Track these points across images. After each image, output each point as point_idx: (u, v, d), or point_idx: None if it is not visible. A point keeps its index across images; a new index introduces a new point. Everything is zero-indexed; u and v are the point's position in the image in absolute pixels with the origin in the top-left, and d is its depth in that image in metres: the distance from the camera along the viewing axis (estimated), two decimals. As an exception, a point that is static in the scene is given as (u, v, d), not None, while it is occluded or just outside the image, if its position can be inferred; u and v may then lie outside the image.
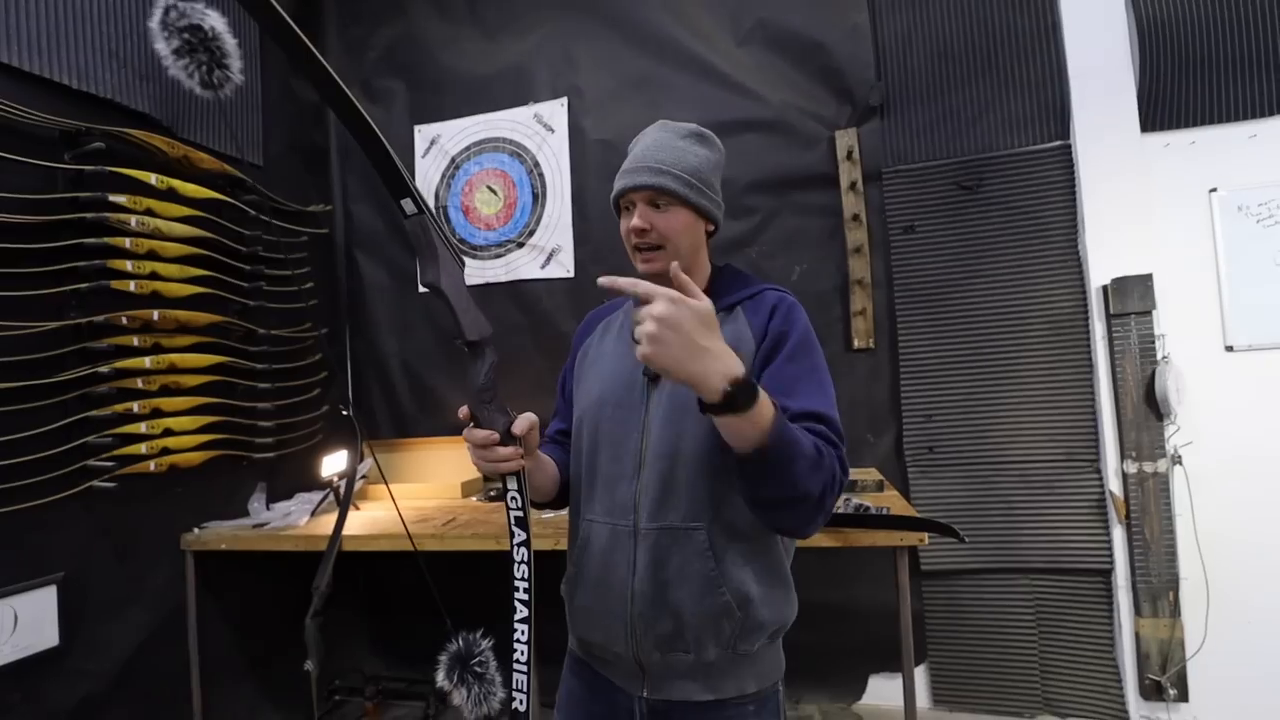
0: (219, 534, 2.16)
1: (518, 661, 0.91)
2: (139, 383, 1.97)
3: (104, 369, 1.88)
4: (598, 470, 1.00)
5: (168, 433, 2.05)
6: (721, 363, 0.72)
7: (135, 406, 1.96)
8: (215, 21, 0.78)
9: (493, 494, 2.44)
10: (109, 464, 1.88)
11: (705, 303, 0.72)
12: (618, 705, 0.98)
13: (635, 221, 0.98)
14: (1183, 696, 2.18)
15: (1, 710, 1.66)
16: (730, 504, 0.91)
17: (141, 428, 1.97)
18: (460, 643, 0.93)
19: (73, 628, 1.82)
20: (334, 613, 2.15)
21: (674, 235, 0.98)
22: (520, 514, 0.92)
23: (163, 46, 0.76)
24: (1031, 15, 2.42)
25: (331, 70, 0.79)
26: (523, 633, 0.91)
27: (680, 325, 0.70)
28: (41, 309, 1.77)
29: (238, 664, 2.37)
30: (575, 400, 1.09)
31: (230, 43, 0.76)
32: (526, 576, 0.92)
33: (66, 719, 1.79)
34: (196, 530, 2.18)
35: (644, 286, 0.72)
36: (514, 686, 0.91)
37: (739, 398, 0.71)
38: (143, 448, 1.98)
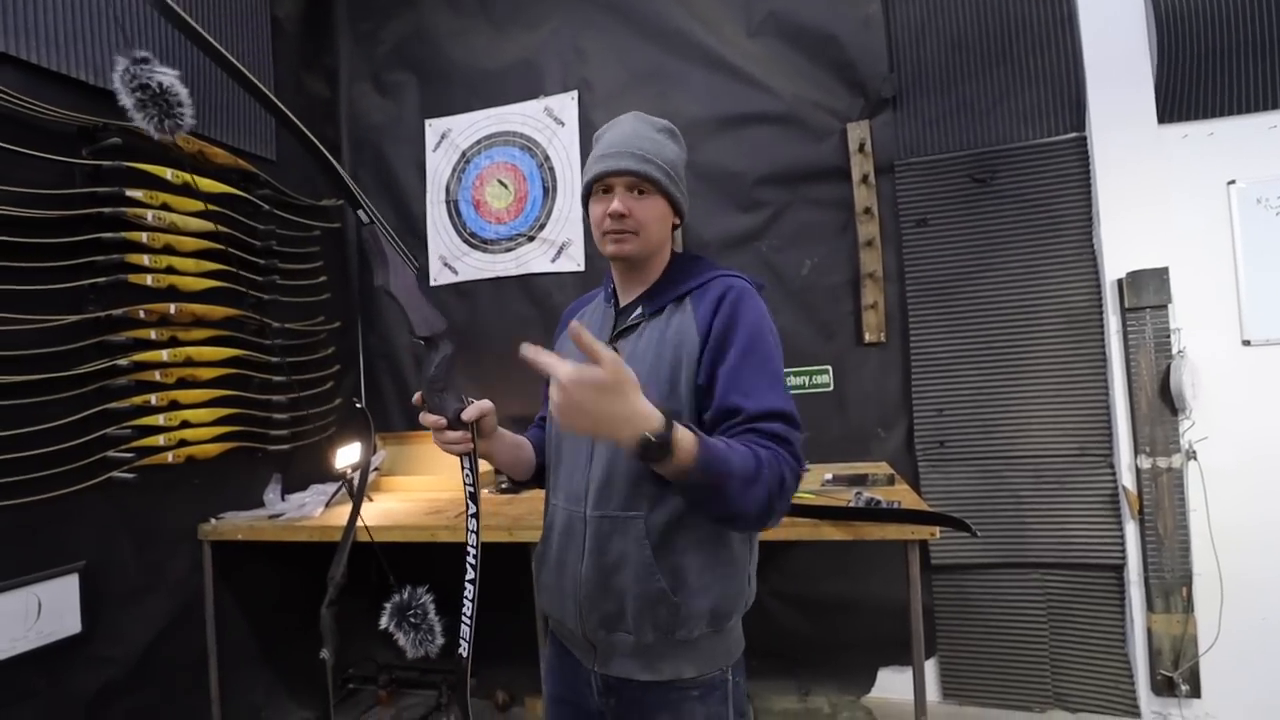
0: (235, 524, 2.19)
1: (466, 616, 1.01)
2: (157, 375, 2.00)
3: (122, 362, 1.91)
4: (561, 458, 1.07)
5: (185, 425, 2.08)
6: (631, 425, 0.75)
7: (153, 399, 1.99)
8: (164, 78, 0.93)
9: (504, 486, 2.46)
10: (128, 455, 1.92)
11: (603, 371, 0.73)
12: (579, 675, 1.06)
13: (615, 205, 0.99)
14: (1195, 692, 2.17)
15: (26, 695, 1.70)
16: (672, 495, 0.94)
17: (159, 420, 2.00)
18: (403, 595, 1.06)
19: (94, 615, 1.86)
20: (348, 602, 2.17)
21: (650, 223, 1.01)
22: (472, 489, 1.02)
23: (125, 101, 0.95)
24: (1047, 5, 2.38)
25: (268, 92, 0.90)
26: (470, 592, 1.00)
27: (582, 404, 0.73)
28: (60, 303, 1.79)
29: (254, 652, 2.41)
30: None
31: (181, 93, 0.93)
32: (475, 544, 1.01)
33: (88, 704, 1.84)
34: (214, 520, 2.21)
35: (544, 359, 0.75)
36: (460, 635, 1.02)
37: (651, 452, 0.76)
38: (161, 439, 2.01)
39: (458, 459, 1.02)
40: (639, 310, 1.04)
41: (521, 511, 2.12)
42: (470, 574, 1.00)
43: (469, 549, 1.01)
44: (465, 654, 1.01)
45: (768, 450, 0.85)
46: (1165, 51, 2.26)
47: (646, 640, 0.96)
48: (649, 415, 0.76)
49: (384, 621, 1.05)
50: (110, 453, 1.88)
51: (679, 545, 0.95)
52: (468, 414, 0.97)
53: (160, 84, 0.93)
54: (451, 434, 0.97)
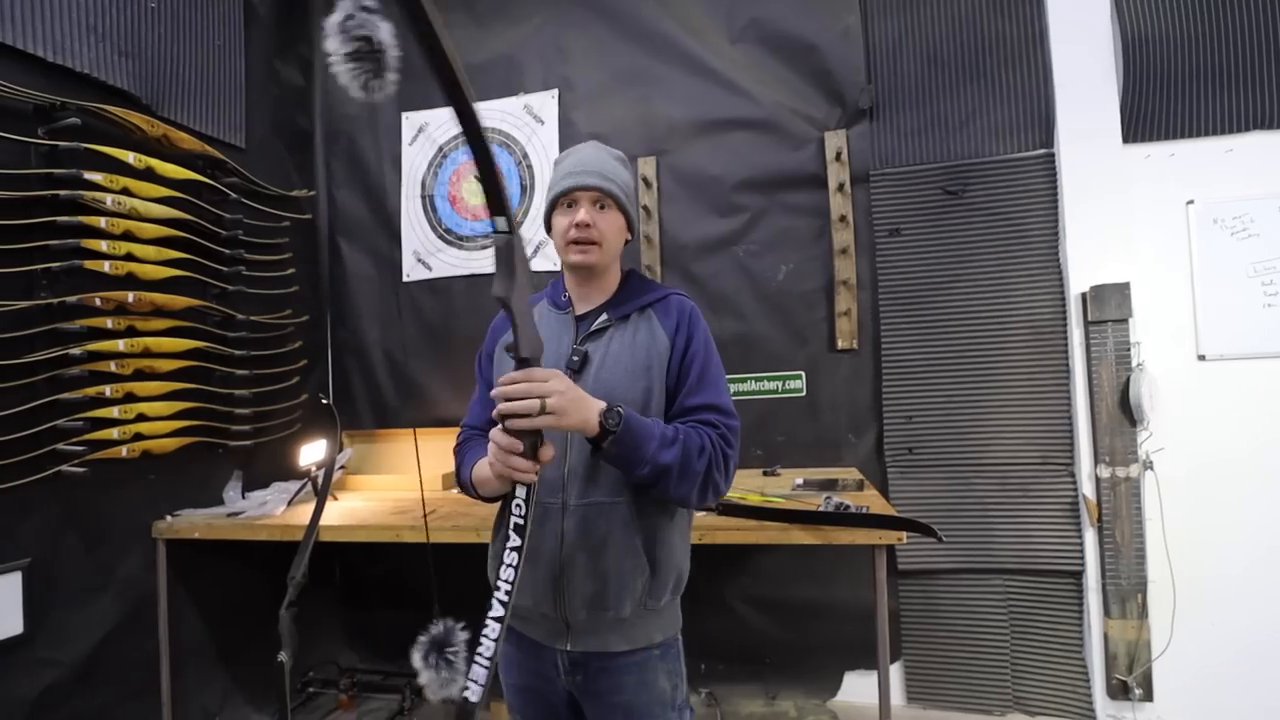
0: (192, 522, 2.12)
1: (481, 656, 0.93)
2: (112, 366, 1.93)
3: (76, 351, 1.83)
4: None
5: (141, 418, 2.01)
6: (590, 404, 0.95)
7: (108, 390, 1.92)
8: (385, 35, 0.79)
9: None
10: (79, 448, 1.84)
11: (543, 371, 0.93)
12: (544, 659, 1.13)
13: (581, 216, 1.10)
14: (1148, 696, 2.24)
15: (-39, 699, 1.62)
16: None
17: (114, 412, 1.93)
18: (443, 627, 0.94)
19: (38, 615, 1.78)
20: (309, 604, 2.12)
21: (610, 235, 1.12)
22: (520, 522, 0.98)
23: (337, 46, 0.77)
24: (1020, 24, 2.45)
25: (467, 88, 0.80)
26: (494, 630, 0.93)
27: (565, 392, 0.92)
28: (10, 287, 1.72)
29: (209, 654, 2.33)
30: None
31: (393, 56, 0.80)
32: (511, 580, 0.94)
33: (29, 709, 1.75)
34: (169, 518, 2.14)
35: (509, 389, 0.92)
36: (471, 677, 0.93)
37: (611, 418, 0.95)
38: (115, 432, 1.94)
39: (499, 485, 1.03)
40: (604, 317, 1.13)
41: (488, 512, 2.09)
42: (498, 610, 0.94)
43: (500, 583, 0.95)
44: (475, 699, 0.93)
45: (692, 428, 1.03)
46: (1131, 74, 2.33)
47: (624, 614, 1.06)
48: (594, 400, 0.96)
49: (417, 657, 0.94)
50: (60, 445, 1.81)
51: (653, 525, 1.07)
52: (546, 455, 0.95)
53: (381, 41, 0.79)
54: (523, 462, 0.93)
